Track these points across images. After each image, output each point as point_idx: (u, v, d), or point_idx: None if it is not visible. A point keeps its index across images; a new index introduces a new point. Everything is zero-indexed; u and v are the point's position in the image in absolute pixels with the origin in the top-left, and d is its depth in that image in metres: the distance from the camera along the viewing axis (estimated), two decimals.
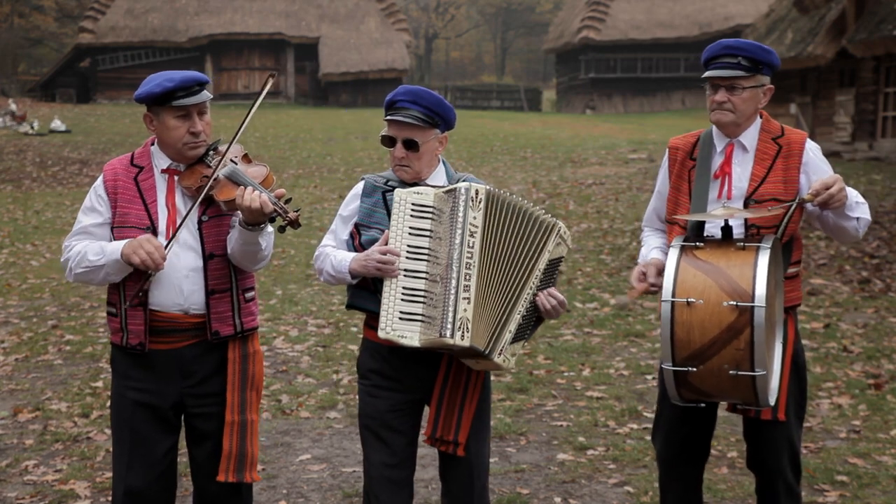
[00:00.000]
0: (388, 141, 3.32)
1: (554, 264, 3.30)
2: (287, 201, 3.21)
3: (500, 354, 3.18)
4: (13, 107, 29.33)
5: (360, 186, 3.41)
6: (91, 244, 3.28)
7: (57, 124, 27.06)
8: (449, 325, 3.06)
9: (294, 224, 3.15)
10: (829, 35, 19.74)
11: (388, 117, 3.30)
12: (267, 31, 40.75)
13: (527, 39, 68.60)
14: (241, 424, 3.33)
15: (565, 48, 44.24)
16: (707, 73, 3.44)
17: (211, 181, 3.23)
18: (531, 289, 3.24)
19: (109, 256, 3.20)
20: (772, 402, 3.21)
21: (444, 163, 3.43)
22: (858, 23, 18.57)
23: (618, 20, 41.45)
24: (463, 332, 3.06)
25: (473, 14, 67.87)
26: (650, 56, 41.50)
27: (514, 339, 3.23)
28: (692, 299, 3.12)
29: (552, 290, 3.30)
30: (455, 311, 3.06)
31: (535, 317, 3.31)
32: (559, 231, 3.27)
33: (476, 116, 35.52)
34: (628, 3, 41.97)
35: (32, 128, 26.44)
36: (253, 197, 3.12)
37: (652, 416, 5.58)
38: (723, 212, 3.26)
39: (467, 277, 3.09)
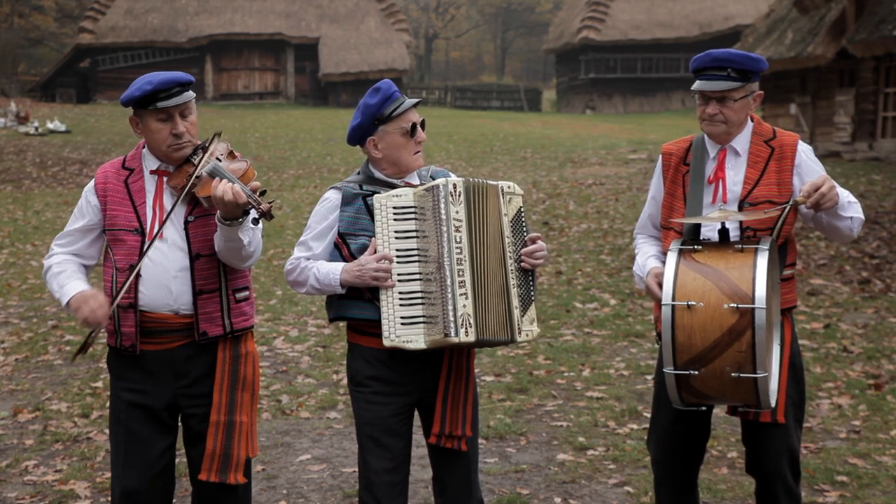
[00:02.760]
0: (413, 129, 3.32)
1: (516, 221, 3.29)
2: (262, 194, 3.21)
3: (520, 333, 3.21)
4: (14, 107, 29.30)
5: (334, 197, 3.35)
6: (63, 266, 3.36)
7: (56, 125, 27.03)
8: (452, 325, 3.06)
9: (267, 215, 3.15)
10: (829, 35, 19.71)
11: (401, 106, 3.30)
12: (267, 31, 40.77)
13: (527, 39, 68.62)
14: (227, 425, 3.32)
15: (565, 48, 44.26)
16: (697, 86, 3.43)
17: (192, 178, 3.24)
18: (510, 257, 3.24)
19: (62, 297, 3.30)
20: (773, 403, 3.21)
21: None
22: (858, 23, 18.56)
23: (618, 20, 41.48)
24: (466, 329, 3.07)
25: (473, 14, 67.88)
26: (650, 56, 41.52)
27: (524, 310, 3.24)
28: (692, 302, 3.12)
29: (528, 247, 3.29)
30: (455, 309, 3.07)
31: (530, 274, 3.31)
32: (501, 189, 3.26)
33: (476, 116, 35.53)
34: (628, 3, 41.99)
35: (36, 129, 26.40)
36: (225, 188, 3.10)
37: None
38: (718, 215, 3.26)
39: (461, 273, 3.09)
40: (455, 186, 3.12)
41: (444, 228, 3.10)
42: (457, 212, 3.12)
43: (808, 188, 3.22)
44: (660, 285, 3.38)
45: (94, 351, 7.40)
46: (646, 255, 3.61)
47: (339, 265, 3.25)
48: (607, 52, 41.50)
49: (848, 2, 18.93)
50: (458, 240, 3.11)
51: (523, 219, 3.32)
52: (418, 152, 3.35)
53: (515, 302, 3.22)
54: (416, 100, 3.34)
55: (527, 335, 3.25)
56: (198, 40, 40.08)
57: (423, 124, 3.36)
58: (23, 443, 5.50)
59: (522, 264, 3.27)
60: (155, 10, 40.59)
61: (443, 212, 3.11)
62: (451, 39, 69.56)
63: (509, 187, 3.29)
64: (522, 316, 3.24)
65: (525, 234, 3.31)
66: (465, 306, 3.08)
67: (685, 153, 3.54)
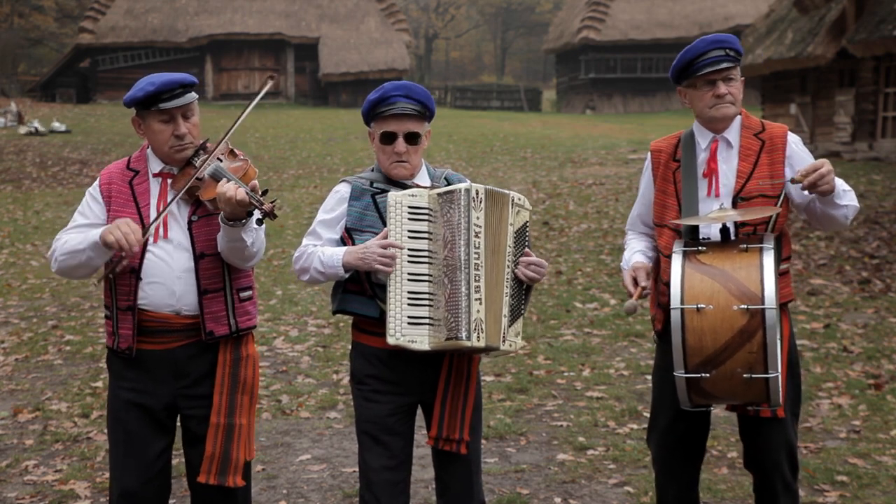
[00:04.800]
0: (388, 137, 3.29)
1: (520, 233, 3.28)
2: (263, 193, 3.21)
3: (504, 341, 3.19)
4: (14, 107, 29.22)
5: (344, 190, 3.36)
6: (77, 234, 3.29)
7: (54, 125, 26.97)
8: (464, 328, 3.06)
9: (270, 215, 3.14)
10: (829, 35, 19.71)
11: (386, 113, 3.28)
12: (267, 31, 40.76)
13: (527, 39, 68.62)
14: (227, 427, 3.32)
15: (565, 48, 44.25)
16: (710, 68, 3.38)
17: (193, 179, 3.24)
18: (508, 266, 3.22)
19: (90, 239, 3.21)
20: (781, 401, 3.22)
21: (423, 160, 3.44)
22: (858, 23, 18.56)
23: (618, 20, 41.47)
24: (479, 334, 3.07)
25: (473, 14, 67.88)
26: (650, 56, 41.51)
27: (512, 321, 3.23)
28: (702, 305, 3.12)
29: (526, 257, 3.27)
30: (469, 314, 3.07)
31: (524, 288, 3.31)
32: (512, 199, 3.24)
33: (476, 116, 35.53)
34: (628, 3, 41.98)
35: (37, 130, 26.31)
36: (230, 188, 3.10)
37: None
38: (716, 215, 3.26)
39: (477, 279, 3.09)
40: (478, 192, 3.12)
41: (465, 233, 3.09)
42: (477, 217, 3.11)
43: (808, 168, 3.22)
44: (634, 280, 3.40)
45: (94, 351, 7.40)
46: (632, 249, 3.62)
47: (344, 248, 3.24)
48: (607, 52, 41.48)
49: (848, 2, 18.93)
50: (477, 245, 3.10)
51: (527, 234, 3.32)
52: (398, 162, 3.29)
53: (505, 310, 3.21)
54: (406, 111, 3.26)
55: (510, 345, 3.22)
56: (198, 40, 40.07)
57: (411, 136, 3.28)
58: (23, 443, 5.50)
59: (516, 271, 3.24)
60: (155, 10, 40.58)
61: (464, 217, 3.09)
62: (451, 39, 69.55)
63: (519, 199, 3.27)
64: (510, 326, 3.22)
65: (526, 248, 3.30)
66: (478, 311, 3.08)
67: (674, 149, 3.54)
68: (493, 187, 3.22)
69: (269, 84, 3.42)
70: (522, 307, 3.30)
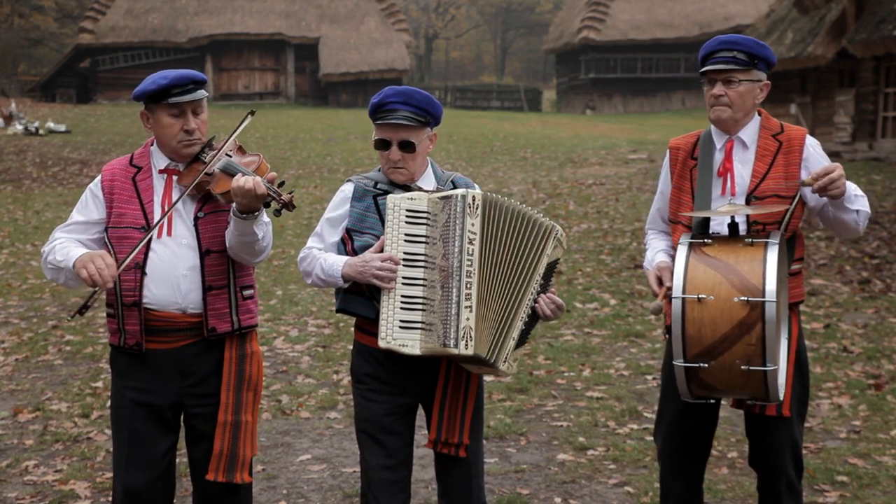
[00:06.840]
0: (382, 144, 3.30)
1: (551, 267, 3.31)
2: (281, 185, 3.21)
3: (504, 362, 3.19)
4: (14, 107, 29.12)
5: (348, 189, 3.37)
6: (64, 243, 3.28)
7: (50, 125, 26.86)
8: (452, 335, 3.06)
9: (288, 206, 3.14)
10: (829, 35, 19.72)
11: (381, 120, 3.28)
12: (267, 31, 40.78)
13: (527, 39, 68.65)
14: (234, 425, 3.33)
15: (565, 48, 44.27)
16: (705, 68, 3.46)
17: (203, 174, 3.23)
18: (532, 294, 3.24)
19: (67, 262, 3.20)
20: (781, 396, 3.23)
21: (431, 162, 3.44)
22: (858, 23, 18.56)
23: (618, 20, 41.47)
24: (467, 342, 3.07)
25: (473, 14, 67.90)
26: (650, 56, 41.52)
27: (517, 345, 3.24)
28: (703, 296, 3.14)
29: (552, 294, 3.30)
30: (458, 321, 3.07)
31: (535, 320, 3.32)
32: (556, 234, 3.27)
33: (476, 116, 35.52)
34: (628, 3, 41.99)
35: (37, 130, 26.20)
36: (247, 180, 3.10)
37: (652, 416, 5.59)
38: (727, 209, 3.28)
39: (468, 286, 3.09)
40: (474, 199, 3.11)
41: (458, 239, 3.09)
42: (472, 224, 3.10)
43: (819, 171, 3.24)
44: (659, 280, 3.41)
45: (94, 351, 7.40)
46: (655, 249, 3.64)
47: (344, 258, 3.25)
48: (607, 52, 41.49)
49: (848, 2, 18.94)
50: (471, 252, 3.10)
51: (554, 271, 3.33)
52: (394, 168, 3.29)
53: (515, 333, 3.21)
54: (401, 120, 3.24)
55: (508, 367, 3.22)
56: (198, 40, 40.08)
57: (405, 145, 3.26)
58: (23, 443, 5.50)
59: (537, 304, 3.25)
60: (155, 10, 40.59)
61: (458, 222, 3.09)
62: (451, 39, 69.57)
63: (561, 235, 3.30)
64: (514, 349, 3.23)
65: (550, 283, 3.32)
66: (468, 319, 3.08)
67: (693, 147, 3.56)
68: (539, 216, 3.23)
69: (249, 119, 3.45)
70: (527, 336, 3.31)
